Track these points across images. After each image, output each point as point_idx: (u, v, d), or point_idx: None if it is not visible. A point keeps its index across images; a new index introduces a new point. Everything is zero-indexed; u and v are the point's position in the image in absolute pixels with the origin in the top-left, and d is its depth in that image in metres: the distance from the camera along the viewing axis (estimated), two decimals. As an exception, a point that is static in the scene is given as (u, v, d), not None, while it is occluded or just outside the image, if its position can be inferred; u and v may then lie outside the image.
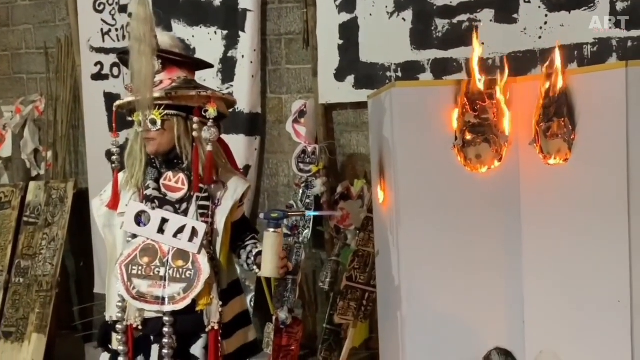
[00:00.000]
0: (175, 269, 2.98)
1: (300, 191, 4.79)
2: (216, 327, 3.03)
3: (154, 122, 2.97)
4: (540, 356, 3.15)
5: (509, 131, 3.12)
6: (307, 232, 4.65)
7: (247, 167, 5.10)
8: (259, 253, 3.07)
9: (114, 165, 3.09)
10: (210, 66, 3.49)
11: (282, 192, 5.31)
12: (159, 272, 2.99)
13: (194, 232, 2.99)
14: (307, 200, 4.74)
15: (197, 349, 3.06)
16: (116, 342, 3.06)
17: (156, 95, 2.94)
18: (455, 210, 3.17)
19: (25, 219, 6.11)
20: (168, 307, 2.98)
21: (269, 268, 2.93)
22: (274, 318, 4.66)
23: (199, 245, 2.99)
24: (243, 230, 3.25)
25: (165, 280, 2.98)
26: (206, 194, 3.05)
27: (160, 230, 3.00)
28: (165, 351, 2.99)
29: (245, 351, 3.25)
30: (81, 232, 6.02)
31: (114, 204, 3.06)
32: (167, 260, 2.99)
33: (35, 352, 5.64)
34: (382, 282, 3.71)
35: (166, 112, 2.98)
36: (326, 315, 4.69)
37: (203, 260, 3.00)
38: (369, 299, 4.44)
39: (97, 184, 3.17)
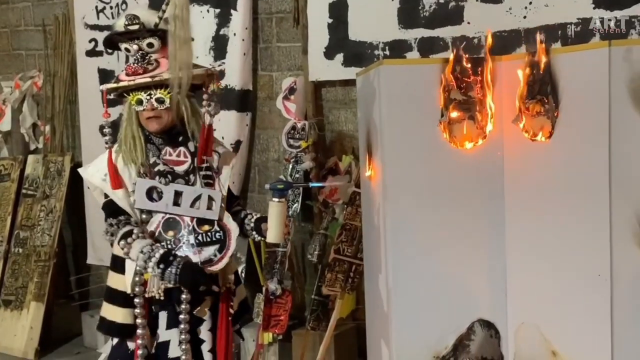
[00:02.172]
0: (204, 234, 2.98)
1: (290, 166, 4.78)
2: (232, 287, 3.10)
3: (161, 101, 2.94)
4: (521, 328, 3.13)
5: (494, 109, 3.07)
6: (297, 206, 4.67)
7: (238, 143, 5.10)
8: (258, 220, 3.12)
9: (107, 146, 3.02)
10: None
11: (272, 167, 5.30)
12: (189, 240, 2.97)
13: (210, 199, 3.01)
14: (297, 175, 4.73)
15: (203, 310, 3.06)
16: (128, 316, 2.99)
17: (169, 76, 2.90)
18: (441, 185, 3.13)
19: (24, 191, 6.14)
20: (211, 269, 2.97)
21: (274, 234, 3.00)
22: (263, 289, 4.68)
23: (219, 211, 3.02)
24: (229, 197, 3.22)
25: (197, 247, 2.96)
26: (207, 164, 3.06)
27: (176, 203, 2.98)
28: (182, 316, 2.98)
29: (242, 308, 3.27)
30: (77, 205, 5.97)
31: (116, 183, 2.98)
32: (193, 228, 2.98)
33: (33, 320, 5.67)
34: (368, 254, 3.68)
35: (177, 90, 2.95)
36: (314, 287, 4.68)
37: (228, 219, 3.05)
38: (356, 271, 4.43)
39: (91, 158, 3.10)
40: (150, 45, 2.94)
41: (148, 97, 2.94)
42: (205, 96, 3.04)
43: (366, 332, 3.79)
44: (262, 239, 3.14)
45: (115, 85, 2.98)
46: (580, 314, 2.92)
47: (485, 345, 3.17)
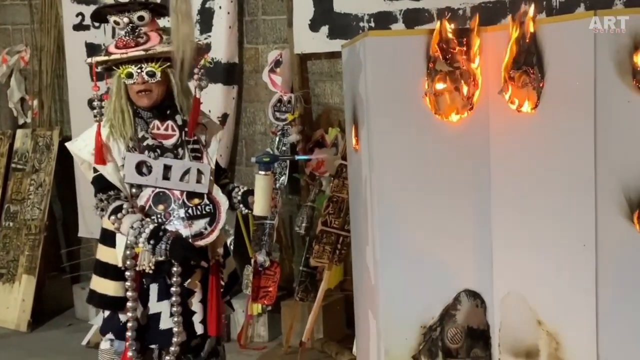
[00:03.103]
0: (194, 207, 2.95)
1: (277, 139, 4.77)
2: (220, 259, 3.07)
3: (152, 74, 2.89)
4: (507, 297, 3.11)
5: (480, 80, 3.03)
6: (284, 179, 4.66)
7: (225, 116, 5.07)
8: (245, 193, 3.08)
9: (96, 119, 2.97)
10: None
11: (259, 139, 5.28)
12: (179, 214, 2.94)
13: (199, 173, 2.97)
14: (283, 148, 4.73)
15: (193, 282, 3.03)
16: (119, 289, 2.97)
17: (162, 49, 2.87)
18: (427, 157, 3.09)
19: (13, 165, 6.10)
20: (199, 243, 2.94)
21: (261, 207, 2.96)
22: (252, 261, 4.69)
23: (208, 184, 2.99)
24: (217, 170, 3.18)
25: (188, 220, 2.93)
26: (195, 138, 3.02)
27: (165, 177, 2.95)
28: (173, 289, 2.96)
29: (232, 279, 3.25)
30: (66, 178, 5.91)
31: (100, 158, 2.92)
32: (183, 201, 2.95)
33: (25, 292, 5.66)
34: (355, 226, 3.65)
35: (167, 64, 2.90)
36: (302, 258, 4.68)
37: (218, 193, 3.01)
38: (343, 242, 4.43)
39: (80, 132, 3.05)
40: (141, 18, 2.89)
41: (139, 71, 2.88)
42: (196, 70, 2.99)
43: (354, 303, 3.77)
44: (249, 211, 3.11)
45: (106, 57, 2.91)
46: (566, 283, 2.90)
47: (472, 315, 3.15)
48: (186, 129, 2.99)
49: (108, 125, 2.93)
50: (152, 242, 2.81)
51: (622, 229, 2.76)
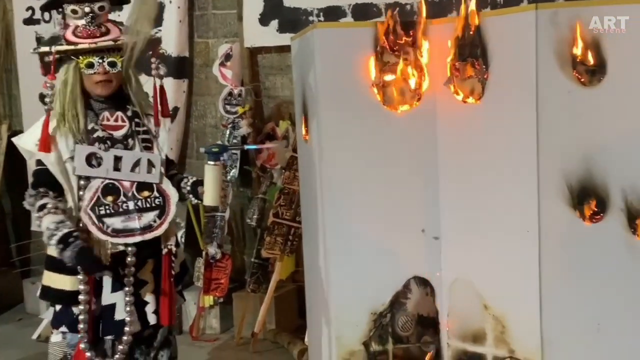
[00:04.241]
0: (143, 200, 2.93)
1: (227, 132, 4.75)
2: (173, 249, 3.04)
3: (114, 65, 2.86)
4: (455, 283, 3.15)
5: (427, 71, 3.06)
6: (235, 172, 4.65)
7: (175, 109, 5.01)
8: (195, 183, 3.06)
9: (47, 107, 2.90)
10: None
11: (210, 132, 5.25)
12: (127, 207, 2.91)
13: (150, 163, 2.94)
14: (234, 141, 4.69)
15: (145, 273, 3.00)
16: (76, 283, 2.90)
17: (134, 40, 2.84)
18: (376, 147, 3.11)
19: None
20: (149, 236, 2.92)
21: (210, 197, 2.95)
22: (203, 253, 4.67)
23: (159, 175, 2.97)
24: (166, 162, 3.16)
25: (137, 212, 2.91)
26: (145, 128, 3.00)
27: (116, 169, 2.91)
28: (126, 279, 2.93)
29: (182, 269, 3.23)
30: (16, 172, 5.79)
31: (45, 146, 2.87)
32: (133, 194, 2.92)
33: None
34: (306, 217, 3.66)
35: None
36: (254, 250, 4.68)
37: (167, 185, 2.99)
38: (294, 234, 4.43)
39: (32, 125, 3.01)
40: (101, 8, 2.88)
41: (100, 61, 2.85)
42: (153, 59, 2.98)
43: (305, 293, 3.77)
44: (199, 202, 3.09)
45: (71, 47, 2.86)
46: (511, 268, 2.94)
47: (421, 302, 3.18)
48: (136, 120, 2.97)
49: (57, 117, 2.88)
50: (60, 246, 2.78)
51: (564, 216, 2.82)
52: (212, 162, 2.94)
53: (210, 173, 2.94)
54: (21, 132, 5.46)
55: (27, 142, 2.94)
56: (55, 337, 3.04)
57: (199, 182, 3.04)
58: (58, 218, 2.81)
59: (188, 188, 3.07)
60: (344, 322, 3.17)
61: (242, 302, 4.76)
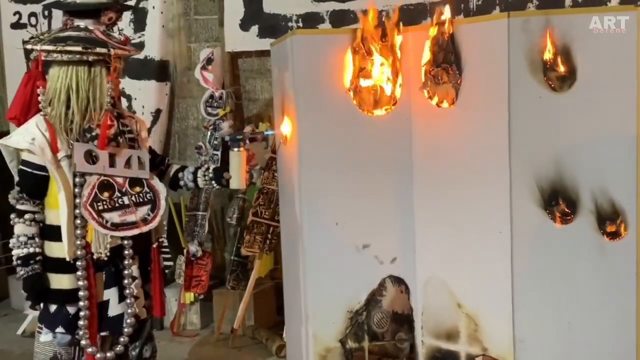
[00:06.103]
0: (136, 195, 2.98)
1: (209, 133, 4.74)
2: (164, 242, 3.16)
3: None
4: (429, 282, 3.13)
5: (402, 76, 3.04)
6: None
7: (158, 111, 4.99)
8: (217, 170, 3.20)
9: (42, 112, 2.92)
10: None
11: (192, 134, 5.24)
12: (123, 201, 2.94)
13: (140, 160, 3.00)
14: (215, 142, 4.69)
15: (134, 269, 2.99)
16: (75, 281, 2.87)
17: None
18: (352, 150, 3.08)
19: None
20: (146, 228, 2.98)
21: (237, 181, 3.12)
22: (185, 251, 4.66)
23: (149, 170, 3.03)
24: (154, 157, 3.21)
25: (132, 207, 2.96)
26: (129, 128, 3.05)
27: (111, 165, 2.95)
28: (126, 272, 2.95)
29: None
30: (3, 171, 5.70)
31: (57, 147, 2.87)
32: (126, 190, 2.96)
33: None
34: (285, 216, 3.63)
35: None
36: (234, 248, 4.66)
37: (156, 181, 3.06)
38: (273, 232, 4.40)
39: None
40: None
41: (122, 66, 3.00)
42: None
43: (284, 290, 3.74)
44: (223, 187, 3.21)
45: (134, 53, 3.11)
46: (484, 268, 2.93)
47: (396, 300, 3.16)
48: (121, 120, 3.00)
49: (57, 117, 2.87)
50: (19, 262, 2.84)
51: (536, 217, 2.82)
52: (236, 149, 3.10)
53: (236, 158, 3.10)
54: (8, 133, 5.46)
55: (20, 142, 2.91)
56: (45, 336, 2.98)
57: (220, 169, 3.17)
58: (30, 232, 2.86)
59: (210, 175, 3.19)
60: (321, 320, 3.14)
61: (222, 298, 4.73)
